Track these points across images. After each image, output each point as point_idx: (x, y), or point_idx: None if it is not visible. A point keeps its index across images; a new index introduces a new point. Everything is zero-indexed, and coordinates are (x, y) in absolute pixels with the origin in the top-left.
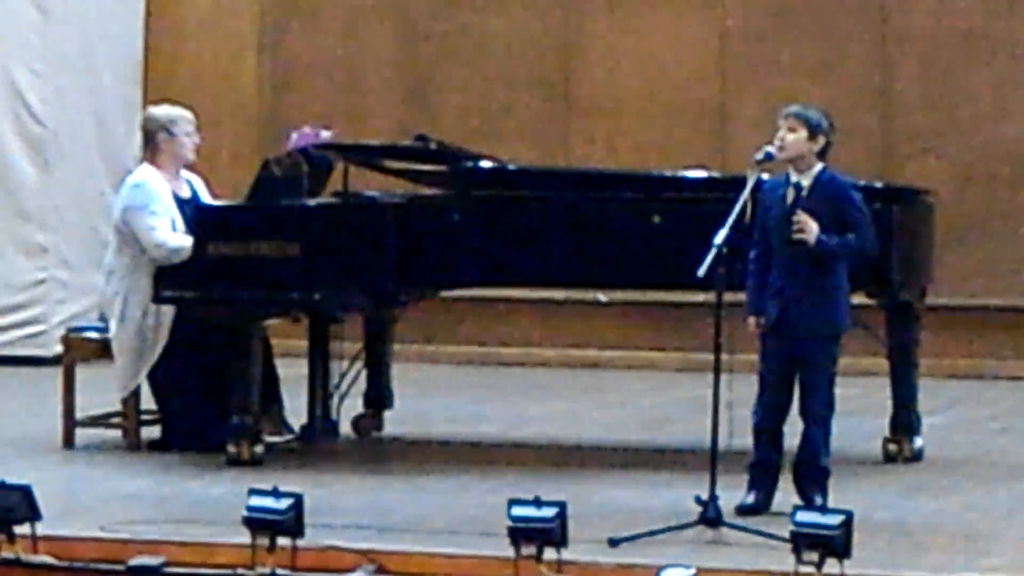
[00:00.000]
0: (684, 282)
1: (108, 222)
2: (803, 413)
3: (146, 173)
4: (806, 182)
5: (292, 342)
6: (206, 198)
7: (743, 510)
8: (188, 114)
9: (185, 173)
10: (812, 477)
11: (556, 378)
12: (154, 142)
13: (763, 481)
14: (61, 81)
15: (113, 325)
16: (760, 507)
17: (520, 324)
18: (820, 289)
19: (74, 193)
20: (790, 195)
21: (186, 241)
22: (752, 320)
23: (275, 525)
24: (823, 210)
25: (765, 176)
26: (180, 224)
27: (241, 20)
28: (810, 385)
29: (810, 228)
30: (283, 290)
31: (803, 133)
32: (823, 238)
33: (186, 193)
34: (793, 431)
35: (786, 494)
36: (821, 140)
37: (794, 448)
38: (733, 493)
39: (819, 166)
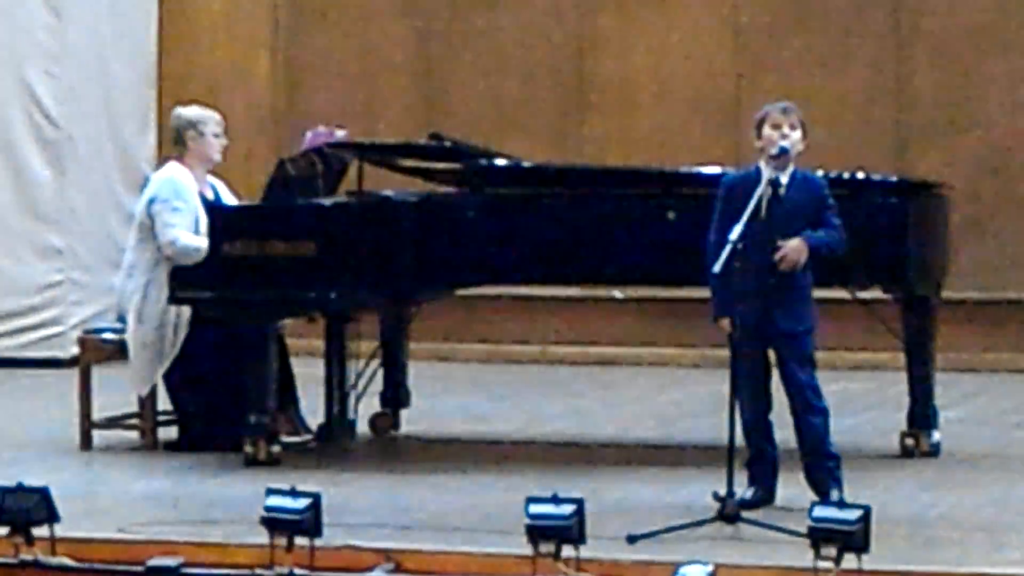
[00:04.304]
0: (700, 278)
1: (123, 223)
2: (797, 409)
3: (176, 170)
4: (784, 179)
5: (308, 342)
6: (229, 201)
7: (746, 504)
8: (216, 115)
9: (210, 177)
10: (823, 467)
11: (572, 375)
12: (183, 141)
13: (763, 475)
14: (75, 82)
15: (131, 322)
16: (762, 500)
17: (536, 322)
18: (796, 287)
19: (89, 194)
20: (768, 192)
21: (201, 242)
22: (726, 322)
23: (293, 525)
24: (801, 206)
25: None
26: (204, 224)
27: (255, 20)
28: (797, 381)
29: (795, 250)
30: (299, 290)
31: (800, 132)
32: (810, 238)
33: (210, 195)
34: (790, 430)
35: (803, 489)
36: (807, 140)
37: (792, 446)
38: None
39: (792, 164)
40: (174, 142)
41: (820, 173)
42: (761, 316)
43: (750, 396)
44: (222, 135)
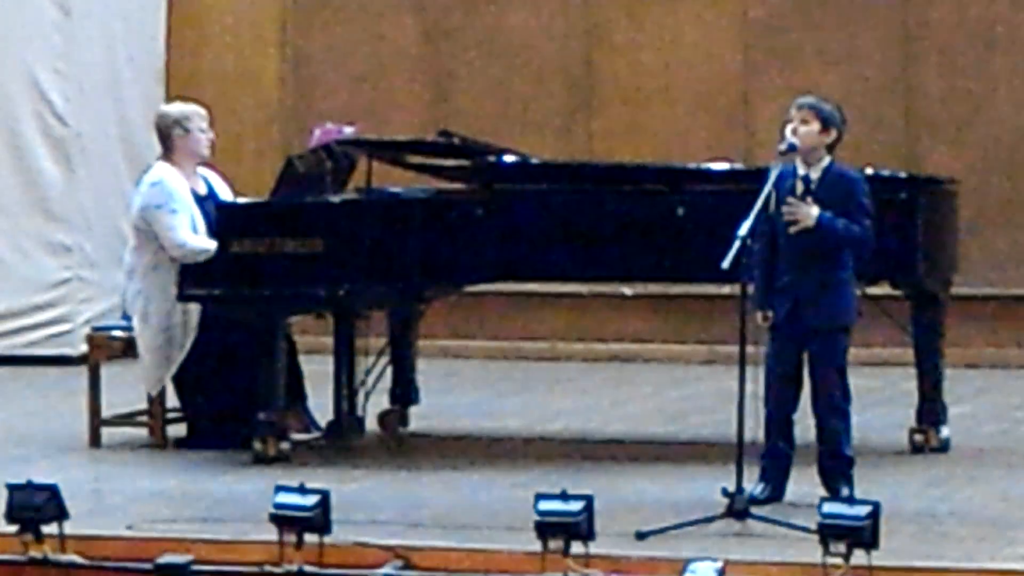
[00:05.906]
0: (708, 274)
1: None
2: (818, 406)
3: (164, 171)
4: (815, 175)
5: (317, 338)
6: (224, 193)
7: (755, 500)
8: (201, 110)
9: (201, 169)
10: (837, 468)
11: (581, 372)
12: (169, 140)
13: (775, 472)
14: (84, 80)
15: (137, 324)
16: (772, 497)
17: (545, 318)
18: (829, 283)
19: (98, 192)
20: (799, 188)
21: (209, 244)
22: (759, 314)
23: (302, 522)
24: (832, 203)
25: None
26: (200, 221)
27: (263, 17)
28: (823, 378)
29: (804, 213)
30: (307, 286)
31: (816, 125)
32: (825, 215)
33: (203, 190)
34: (806, 424)
35: (813, 485)
36: (833, 133)
37: (812, 440)
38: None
39: (828, 159)
40: (161, 141)
41: None
42: (792, 311)
43: (777, 392)
44: (208, 129)
